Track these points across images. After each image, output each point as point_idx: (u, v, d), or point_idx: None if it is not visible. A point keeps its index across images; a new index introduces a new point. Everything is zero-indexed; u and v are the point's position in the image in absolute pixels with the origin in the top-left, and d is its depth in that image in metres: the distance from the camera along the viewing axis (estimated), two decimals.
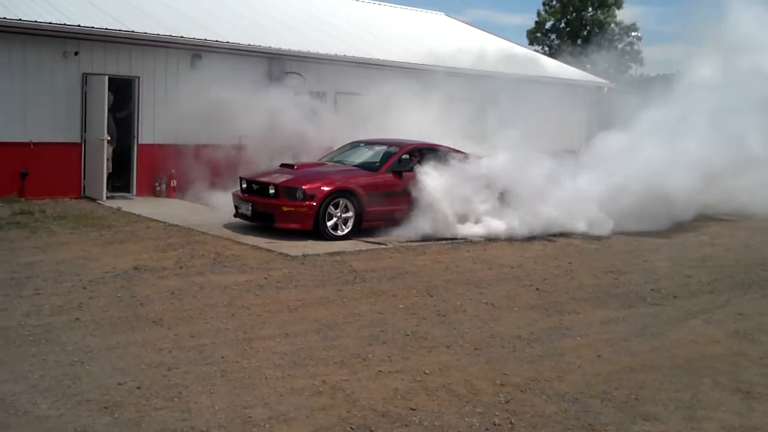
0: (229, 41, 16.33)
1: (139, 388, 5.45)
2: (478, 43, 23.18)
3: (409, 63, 19.34)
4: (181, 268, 9.27)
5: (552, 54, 41.84)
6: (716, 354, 6.94)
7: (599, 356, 6.71)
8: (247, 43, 16.58)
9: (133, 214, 13.23)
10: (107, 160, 14.81)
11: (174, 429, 4.82)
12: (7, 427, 4.72)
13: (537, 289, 9.14)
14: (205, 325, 7.03)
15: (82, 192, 15.02)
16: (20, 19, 13.67)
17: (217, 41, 16.12)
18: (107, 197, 14.73)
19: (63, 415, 4.94)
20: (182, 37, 15.63)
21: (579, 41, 49.25)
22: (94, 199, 14.67)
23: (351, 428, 4.97)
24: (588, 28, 49.74)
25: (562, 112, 19.98)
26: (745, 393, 5.97)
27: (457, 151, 13.43)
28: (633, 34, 50.10)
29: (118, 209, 13.64)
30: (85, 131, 14.90)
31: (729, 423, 5.39)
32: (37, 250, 9.93)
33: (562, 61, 28.57)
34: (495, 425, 5.14)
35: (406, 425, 5.06)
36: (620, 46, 50.43)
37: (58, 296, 7.73)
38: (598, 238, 12.80)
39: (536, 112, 16.02)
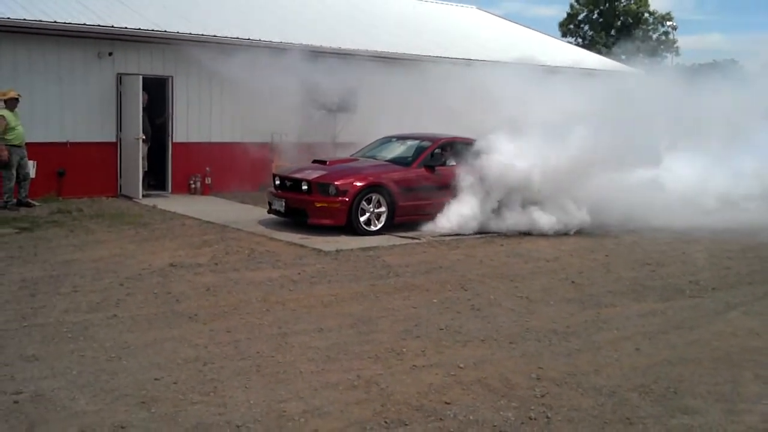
0: (261, 39, 16.38)
1: (175, 383, 5.50)
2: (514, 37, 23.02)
3: (443, 57, 19.23)
4: (216, 264, 9.34)
5: (585, 45, 41.43)
6: (756, 347, 6.81)
7: (637, 349, 6.62)
8: (279, 41, 16.62)
9: (169, 211, 13.37)
10: (143, 158, 14.98)
11: (210, 423, 4.86)
12: (46, 423, 4.79)
13: (573, 282, 9.05)
14: (240, 320, 7.08)
15: (119, 191, 15.22)
16: (55, 21, 13.88)
17: (249, 39, 16.18)
18: (143, 195, 14.90)
19: (101, 410, 5.01)
20: (215, 36, 15.74)
21: (612, 32, 48.72)
22: (130, 198, 14.86)
23: (385, 422, 4.97)
24: (621, 18, 49.15)
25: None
26: None
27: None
28: (668, 23, 49.40)
29: (154, 207, 13.79)
30: (120, 131, 15.09)
31: None
32: (74, 248, 10.08)
33: (595, 53, 28.26)
34: (531, 419, 5.09)
35: (441, 419, 5.04)
36: (655, 36, 49.80)
37: (96, 293, 7.84)
38: (633, 230, 12.61)
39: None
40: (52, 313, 7.10)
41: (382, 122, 16.41)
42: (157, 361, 5.92)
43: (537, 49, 22.91)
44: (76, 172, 14.65)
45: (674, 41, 49.63)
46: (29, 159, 13.44)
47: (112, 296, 7.74)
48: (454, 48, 20.47)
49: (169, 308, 7.40)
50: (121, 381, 5.51)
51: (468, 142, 13.31)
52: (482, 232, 12.06)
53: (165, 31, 15.12)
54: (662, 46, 49.53)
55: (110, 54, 14.81)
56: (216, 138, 16.30)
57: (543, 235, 12.02)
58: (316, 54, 17.31)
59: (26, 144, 13.31)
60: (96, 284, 8.21)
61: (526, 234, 12.06)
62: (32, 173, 13.64)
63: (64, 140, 14.56)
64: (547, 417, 5.14)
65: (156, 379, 5.54)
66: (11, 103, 13.07)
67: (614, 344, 6.74)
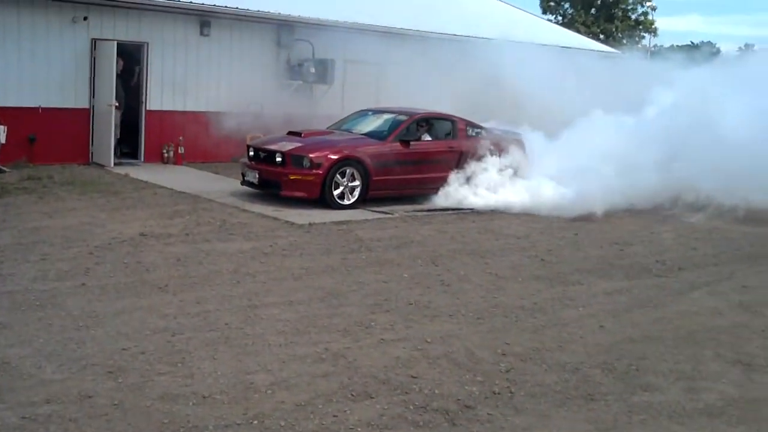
0: (238, 7, 16.19)
1: (143, 353, 5.50)
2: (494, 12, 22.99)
3: (422, 31, 19.16)
4: (187, 235, 9.31)
5: (565, 24, 41.41)
6: (719, 326, 6.95)
7: (601, 327, 6.73)
8: (257, 9, 16.44)
9: (141, 180, 13.25)
10: (115, 126, 14.81)
11: (177, 394, 4.88)
12: (12, 391, 4.78)
13: (542, 259, 9.15)
14: (210, 291, 7.08)
15: (90, 158, 15.03)
16: None
17: (225, 7, 15.99)
18: (115, 164, 14.73)
19: (67, 379, 5.01)
20: (191, 2, 15.52)
21: (592, 11, 48.68)
22: (102, 166, 14.70)
23: (351, 395, 5.02)
24: None
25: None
26: (746, 365, 5.98)
27: (470, 123, 13.35)
28: (647, 3, 49.46)
29: (126, 176, 13.67)
30: (93, 97, 14.88)
31: (729, 394, 5.41)
32: (44, 215, 9.99)
33: (574, 31, 28.29)
34: (495, 394, 5.18)
35: (406, 393, 5.10)
36: (634, 16, 49.86)
37: (65, 261, 7.79)
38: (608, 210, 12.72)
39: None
40: (20, 281, 7.05)
41: (360, 96, 16.44)
42: (125, 331, 5.91)
43: (522, 28, 22.95)
44: (47, 139, 14.44)
45: (652, 22, 49.72)
46: (0, 124, 13.24)
47: (81, 265, 7.69)
48: (434, 21, 20.38)
49: (138, 278, 7.38)
50: (89, 350, 5.50)
51: (446, 118, 13.33)
52: (456, 208, 12.12)
53: None
54: (640, 27, 49.65)
55: (85, 18, 14.55)
56: (191, 107, 16.13)
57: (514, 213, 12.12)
58: (295, 25, 17.21)
59: None
60: (65, 252, 8.15)
61: (498, 211, 12.13)
62: (2, 138, 13.43)
63: (36, 105, 14.34)
64: (511, 392, 5.22)
65: (124, 349, 5.55)
66: None
67: (579, 321, 6.84)
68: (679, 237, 10.99)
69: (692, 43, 47.95)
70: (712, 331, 6.78)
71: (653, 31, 50.01)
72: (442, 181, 12.45)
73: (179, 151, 15.88)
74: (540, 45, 19.46)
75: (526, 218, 11.79)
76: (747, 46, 58.17)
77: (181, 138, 15.88)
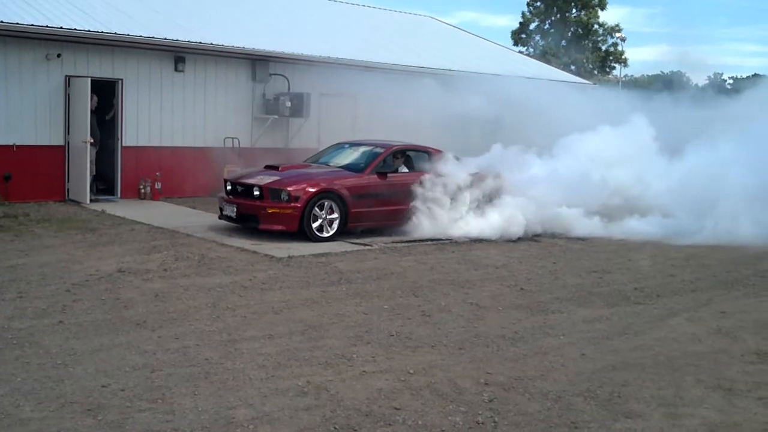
0: (213, 43, 16.30)
1: (122, 390, 5.44)
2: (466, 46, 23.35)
3: (395, 65, 19.39)
4: (166, 270, 9.25)
5: (535, 56, 42.02)
6: (698, 352, 7.00)
7: (582, 355, 6.76)
8: (231, 45, 16.55)
9: (117, 216, 13.19)
10: (91, 162, 14.75)
11: (157, 430, 4.82)
12: None
13: (521, 288, 9.19)
14: (190, 327, 7.03)
15: (66, 195, 14.95)
16: (2, 21, 13.59)
17: (200, 43, 16.09)
18: (91, 200, 14.67)
19: (46, 417, 4.93)
20: (165, 38, 15.59)
21: (563, 42, 49.49)
22: (78, 202, 14.61)
23: (335, 428, 4.99)
24: (572, 29, 49.98)
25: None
26: (727, 390, 6.03)
27: (440, 152, 13.46)
28: (617, 35, 50.39)
29: (102, 212, 13.59)
30: (68, 134, 14.83)
31: (710, 420, 5.44)
32: (20, 253, 9.89)
33: (544, 62, 28.72)
34: (478, 424, 5.17)
35: (390, 425, 5.08)
36: (604, 47, 50.73)
37: (42, 299, 7.70)
38: (583, 238, 12.86)
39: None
40: None
41: (336, 129, 16.58)
42: (104, 368, 5.85)
43: (496, 60, 23.34)
44: (22, 176, 14.35)
45: (622, 53, 50.60)
46: None
47: (58, 302, 7.61)
48: (408, 56, 20.63)
49: (116, 314, 7.31)
50: (68, 388, 5.43)
51: (422, 150, 13.43)
52: (434, 239, 12.17)
53: (115, 33, 14.92)
54: (611, 58, 50.49)
55: (59, 56, 14.56)
56: (167, 142, 16.14)
57: (492, 242, 12.19)
58: (270, 59, 17.33)
59: None
60: (42, 290, 8.07)
61: (477, 241, 12.19)
62: None
63: (11, 143, 14.26)
64: (495, 421, 5.22)
65: (103, 386, 5.48)
66: None
67: (560, 349, 6.86)
68: (656, 264, 11.09)
69: (662, 72, 48.86)
70: (692, 357, 6.82)
71: (623, 62, 50.93)
72: (420, 212, 12.49)
73: (156, 187, 15.85)
74: (516, 77, 19.83)
75: (505, 248, 11.86)
76: (716, 74, 59.35)
77: (157, 173, 15.88)
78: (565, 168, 13.43)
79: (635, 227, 13.43)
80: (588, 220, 13.32)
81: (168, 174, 16.02)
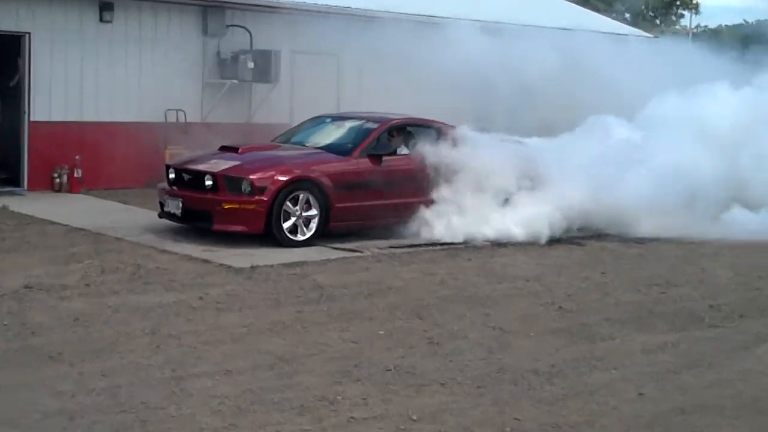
0: None
1: None
2: None
3: (393, 12, 19.33)
4: (88, 285, 9.25)
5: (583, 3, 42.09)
6: None
7: (641, 394, 6.77)
8: None
9: (24, 215, 13.18)
10: None
11: None
12: None
13: (560, 307, 9.21)
14: (121, 360, 7.02)
15: None
16: None
17: None
18: None
19: None
20: None
21: None
22: None
23: None
24: None
25: None
26: None
27: (452, 129, 13.45)
28: None
29: (4, 208, 13.58)
30: None
31: None
32: None
33: (592, 10, 28.79)
34: None
35: None
36: None
37: None
38: (641, 240, 12.88)
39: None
40: None
41: (316, 98, 16.52)
42: (8, 416, 5.84)
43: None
44: None
45: None
46: None
47: None
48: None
49: (23, 344, 7.31)
50: None
51: (429, 125, 13.41)
52: (446, 242, 12.18)
53: None
54: (677, 2, 50.62)
55: None
56: (89, 116, 16.10)
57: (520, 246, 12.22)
58: (226, 7, 17.30)
59: None
60: None
61: (501, 245, 12.21)
62: None
63: None
64: None
65: None
66: None
67: (611, 388, 6.87)
68: (737, 275, 11.13)
69: (746, 22, 48.96)
70: None
71: (694, 7, 51.06)
72: (426, 207, 12.51)
73: (75, 175, 15.83)
74: (545, 28, 19.82)
75: (536, 253, 11.88)
76: None
77: (77, 157, 15.83)
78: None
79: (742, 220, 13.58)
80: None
81: (91, 158, 15.97)
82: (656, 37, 27.68)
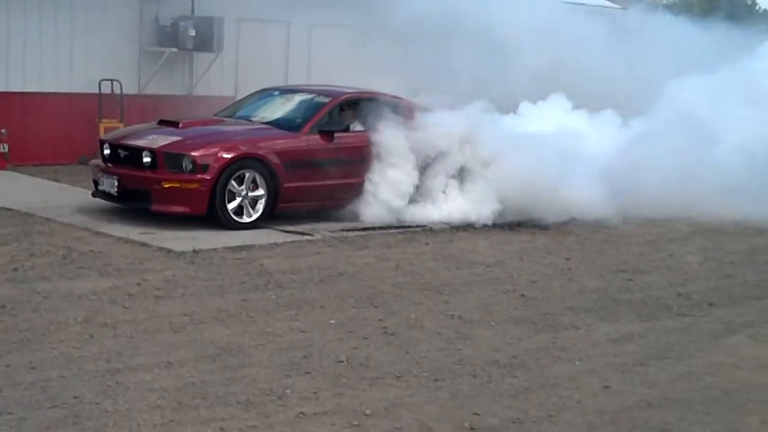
0: None
1: None
2: None
3: None
4: (15, 270, 9.17)
5: None
6: (765, 382, 7.13)
7: (606, 387, 6.84)
8: None
9: None
10: None
11: None
12: None
13: (522, 295, 9.28)
14: (51, 351, 6.97)
15: None
16: None
17: None
18: None
19: None
20: None
21: None
22: None
23: None
24: None
25: None
26: None
27: (410, 104, 13.48)
28: None
29: None
30: None
31: None
32: None
33: None
34: None
35: None
36: None
37: None
38: (606, 224, 13.01)
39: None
40: None
41: (263, 69, 16.42)
42: None
43: None
44: None
45: None
46: None
47: None
48: None
49: None
50: None
51: (382, 99, 13.38)
52: (400, 225, 12.22)
53: None
54: None
55: None
56: (15, 86, 15.90)
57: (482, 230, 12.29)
58: None
59: None
60: None
61: (461, 228, 12.27)
62: None
63: None
64: None
65: None
66: None
67: (575, 380, 6.95)
68: (707, 260, 11.28)
69: None
70: (758, 391, 6.95)
71: None
72: (378, 187, 12.53)
73: (1, 150, 15.66)
74: None
75: (499, 237, 11.95)
76: None
77: (3, 131, 15.65)
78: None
79: None
80: None
81: (19, 132, 15.79)
82: (624, 9, 27.73)
